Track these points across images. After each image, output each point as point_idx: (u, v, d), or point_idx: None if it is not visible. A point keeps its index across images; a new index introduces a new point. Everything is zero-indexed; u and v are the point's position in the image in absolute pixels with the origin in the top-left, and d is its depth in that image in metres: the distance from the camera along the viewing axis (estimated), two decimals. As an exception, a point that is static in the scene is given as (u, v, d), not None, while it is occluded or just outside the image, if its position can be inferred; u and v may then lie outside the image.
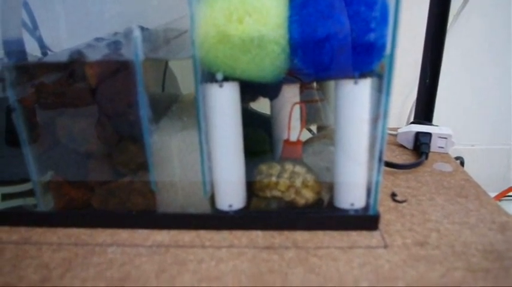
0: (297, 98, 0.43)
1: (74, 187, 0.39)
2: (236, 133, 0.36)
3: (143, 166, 0.37)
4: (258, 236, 0.37)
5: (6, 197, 0.42)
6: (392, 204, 0.42)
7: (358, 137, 0.35)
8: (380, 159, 0.36)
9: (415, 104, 0.65)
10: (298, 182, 0.37)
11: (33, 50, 0.42)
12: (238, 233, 0.38)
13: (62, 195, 0.39)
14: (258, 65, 0.33)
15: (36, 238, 0.38)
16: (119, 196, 0.39)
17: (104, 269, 0.33)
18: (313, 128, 0.53)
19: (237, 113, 0.35)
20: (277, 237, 0.37)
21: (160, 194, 0.39)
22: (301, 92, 0.45)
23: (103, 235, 0.38)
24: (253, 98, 0.42)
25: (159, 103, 0.42)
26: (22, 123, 0.37)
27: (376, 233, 0.37)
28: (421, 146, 0.54)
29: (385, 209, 0.41)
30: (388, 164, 0.50)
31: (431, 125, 0.58)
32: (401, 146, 0.58)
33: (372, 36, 0.32)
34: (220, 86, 0.34)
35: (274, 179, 0.38)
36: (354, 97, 0.34)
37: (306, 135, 0.50)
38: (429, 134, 0.55)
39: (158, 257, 0.35)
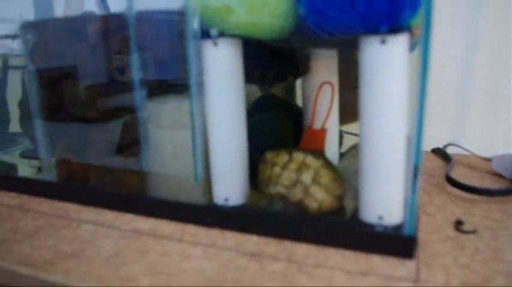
0: (334, 76, 0.34)
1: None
2: (235, 104, 0.29)
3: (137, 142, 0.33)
4: (250, 240, 0.29)
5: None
6: (453, 233, 0.30)
7: (390, 123, 0.26)
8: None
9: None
10: (306, 177, 0.29)
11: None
12: (228, 234, 0.30)
13: (65, 166, 0.37)
14: (256, 15, 0.26)
15: (31, 205, 0.36)
16: (113, 174, 0.35)
17: (61, 243, 0.29)
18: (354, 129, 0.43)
19: (237, 78, 0.29)
20: (273, 246, 0.28)
21: (152, 177, 0.34)
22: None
23: (90, 213, 0.34)
24: (278, 78, 0.35)
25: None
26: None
27: (409, 263, 0.26)
28: (522, 173, 0.39)
29: (441, 237, 0.29)
30: (464, 187, 0.37)
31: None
32: (497, 174, 0.43)
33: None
34: (215, 43, 0.28)
35: (277, 169, 0.30)
36: (382, 63, 0.25)
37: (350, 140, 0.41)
38: (537, 161, 0.40)
39: (124, 242, 0.29)
